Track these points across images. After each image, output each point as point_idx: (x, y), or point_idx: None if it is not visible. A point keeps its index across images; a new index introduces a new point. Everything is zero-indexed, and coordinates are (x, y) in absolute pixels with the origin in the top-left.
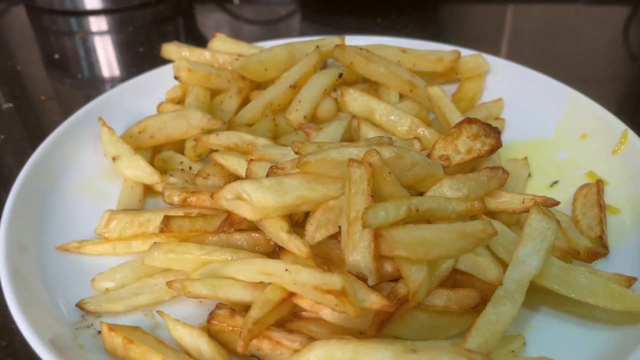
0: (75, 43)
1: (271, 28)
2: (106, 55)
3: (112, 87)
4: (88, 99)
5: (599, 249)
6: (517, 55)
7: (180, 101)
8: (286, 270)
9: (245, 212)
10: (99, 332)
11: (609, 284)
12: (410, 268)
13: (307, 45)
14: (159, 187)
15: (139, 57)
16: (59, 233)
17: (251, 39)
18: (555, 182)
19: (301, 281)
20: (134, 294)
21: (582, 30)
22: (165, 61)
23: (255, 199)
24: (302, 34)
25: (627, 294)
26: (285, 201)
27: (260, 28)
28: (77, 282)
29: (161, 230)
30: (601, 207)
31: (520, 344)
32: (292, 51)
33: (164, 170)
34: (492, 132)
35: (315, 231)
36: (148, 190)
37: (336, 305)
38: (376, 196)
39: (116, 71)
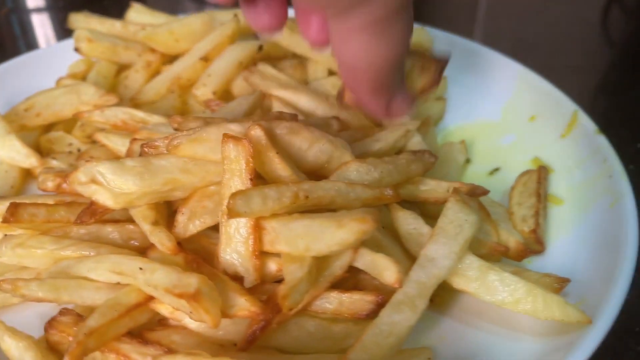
0: (9, 18)
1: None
2: (44, 33)
3: None
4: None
5: (532, 245)
6: (491, 41)
7: (84, 77)
8: (140, 269)
9: (105, 198)
10: None
11: (534, 289)
12: (289, 266)
13: (227, 14)
14: (39, 172)
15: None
16: None
17: None
18: (496, 170)
19: (154, 282)
20: None
21: (560, 16)
22: None
23: (113, 182)
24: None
25: (553, 301)
26: (150, 186)
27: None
28: None
29: (4, 220)
30: (540, 196)
31: (425, 358)
32: (208, 21)
33: (49, 151)
34: (432, 65)
35: (188, 222)
36: (28, 175)
37: (191, 312)
38: (262, 182)
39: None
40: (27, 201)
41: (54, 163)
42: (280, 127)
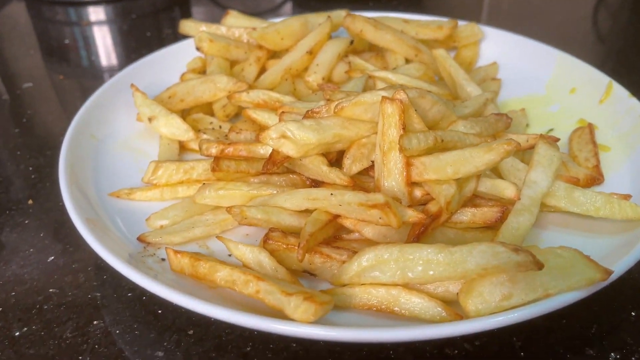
0: (75, 32)
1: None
2: (104, 44)
3: (110, 76)
4: (85, 88)
5: (596, 176)
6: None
7: (201, 72)
8: (331, 194)
9: (289, 149)
10: (162, 259)
11: (610, 197)
12: (441, 187)
13: (319, 17)
14: (192, 145)
15: (135, 47)
16: (108, 183)
17: None
18: (551, 130)
19: (346, 201)
20: (189, 228)
21: (554, 14)
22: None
23: (299, 136)
24: None
25: (625, 205)
26: (324, 138)
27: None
28: (132, 223)
29: (212, 169)
30: (594, 144)
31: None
32: (305, 22)
33: (196, 129)
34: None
35: (352, 164)
36: (183, 147)
37: (380, 218)
38: (405, 130)
39: (113, 60)
40: (204, 164)
41: (205, 136)
42: (412, 92)
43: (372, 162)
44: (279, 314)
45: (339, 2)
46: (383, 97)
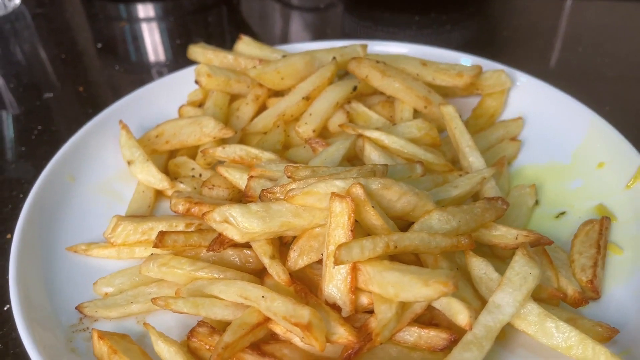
0: (123, 29)
1: (313, 17)
2: (152, 41)
3: (157, 72)
4: (134, 83)
5: (589, 294)
6: (571, 52)
7: (201, 104)
8: (262, 296)
9: (233, 234)
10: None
11: (585, 338)
12: (380, 306)
13: (327, 54)
14: (169, 192)
15: (182, 44)
16: (72, 232)
17: (294, 26)
18: (563, 213)
19: (274, 309)
20: (128, 302)
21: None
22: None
23: (242, 224)
24: (342, 25)
25: (600, 352)
26: (270, 227)
27: (303, 16)
28: (82, 283)
29: (155, 246)
30: (599, 247)
31: None
32: (310, 60)
33: (176, 175)
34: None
35: (298, 258)
36: (159, 194)
37: (302, 338)
38: (359, 229)
39: (161, 56)
40: (174, 223)
41: (182, 186)
42: (375, 184)
43: (321, 257)
44: None
45: (385, 11)
46: (332, 193)
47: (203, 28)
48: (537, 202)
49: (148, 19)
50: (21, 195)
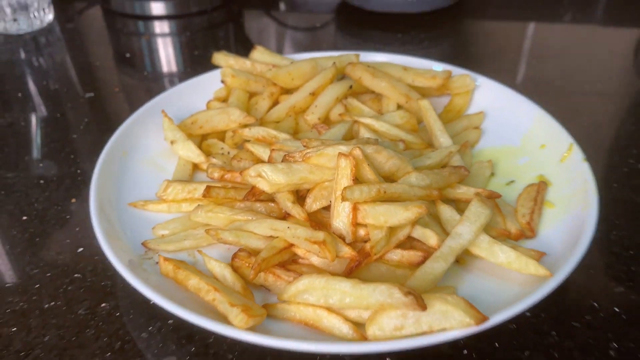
0: (142, 43)
1: (310, 34)
2: (167, 55)
3: (170, 82)
4: (150, 91)
5: (526, 232)
6: (533, 74)
7: (224, 100)
8: (288, 227)
9: (264, 186)
10: (156, 262)
11: (520, 255)
12: (374, 231)
13: (327, 60)
14: (204, 166)
15: (195, 57)
16: (131, 193)
17: (292, 43)
18: (512, 182)
19: (297, 235)
20: (182, 239)
21: (596, 51)
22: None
23: (271, 177)
24: (335, 41)
25: (531, 263)
26: (292, 180)
27: (301, 34)
28: (143, 229)
29: (204, 195)
30: (536, 202)
31: (450, 292)
32: (314, 65)
33: (208, 153)
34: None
35: (312, 203)
36: (196, 167)
37: (319, 252)
38: (357, 181)
39: (174, 68)
40: (212, 185)
41: (214, 160)
42: (370, 149)
43: (330, 202)
44: (226, 319)
45: (373, 29)
46: (339, 153)
47: (213, 42)
48: (492, 174)
49: (163, 35)
50: (78, 171)
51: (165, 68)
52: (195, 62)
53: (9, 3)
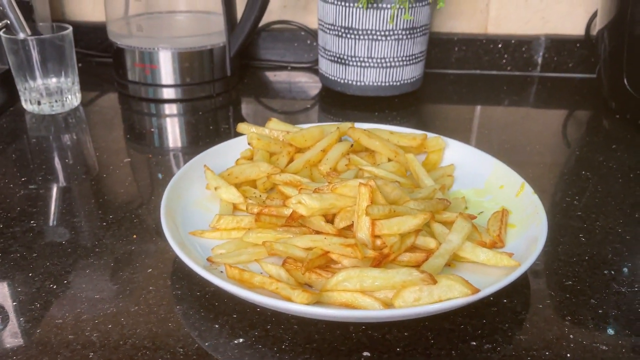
0: (153, 124)
1: (293, 117)
2: (174, 133)
3: (174, 157)
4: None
5: (497, 243)
6: (484, 143)
7: (250, 158)
8: (325, 238)
9: (302, 210)
10: (221, 272)
11: (496, 254)
12: (389, 239)
13: (331, 127)
14: (241, 206)
15: (200, 136)
16: (187, 225)
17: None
18: (481, 212)
19: (332, 242)
20: (238, 255)
21: (532, 126)
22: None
23: (308, 203)
24: (319, 120)
25: (503, 257)
26: (324, 205)
27: (290, 116)
28: (202, 251)
29: (255, 220)
30: (502, 222)
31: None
32: (322, 130)
33: (244, 197)
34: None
35: (340, 221)
36: (235, 207)
37: (351, 252)
38: (372, 204)
39: (181, 145)
40: (249, 217)
41: (250, 201)
42: (380, 182)
43: (352, 222)
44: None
45: (353, 110)
46: (360, 183)
47: (214, 123)
48: (466, 207)
49: (172, 116)
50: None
51: (172, 144)
52: (201, 139)
53: (46, 88)
